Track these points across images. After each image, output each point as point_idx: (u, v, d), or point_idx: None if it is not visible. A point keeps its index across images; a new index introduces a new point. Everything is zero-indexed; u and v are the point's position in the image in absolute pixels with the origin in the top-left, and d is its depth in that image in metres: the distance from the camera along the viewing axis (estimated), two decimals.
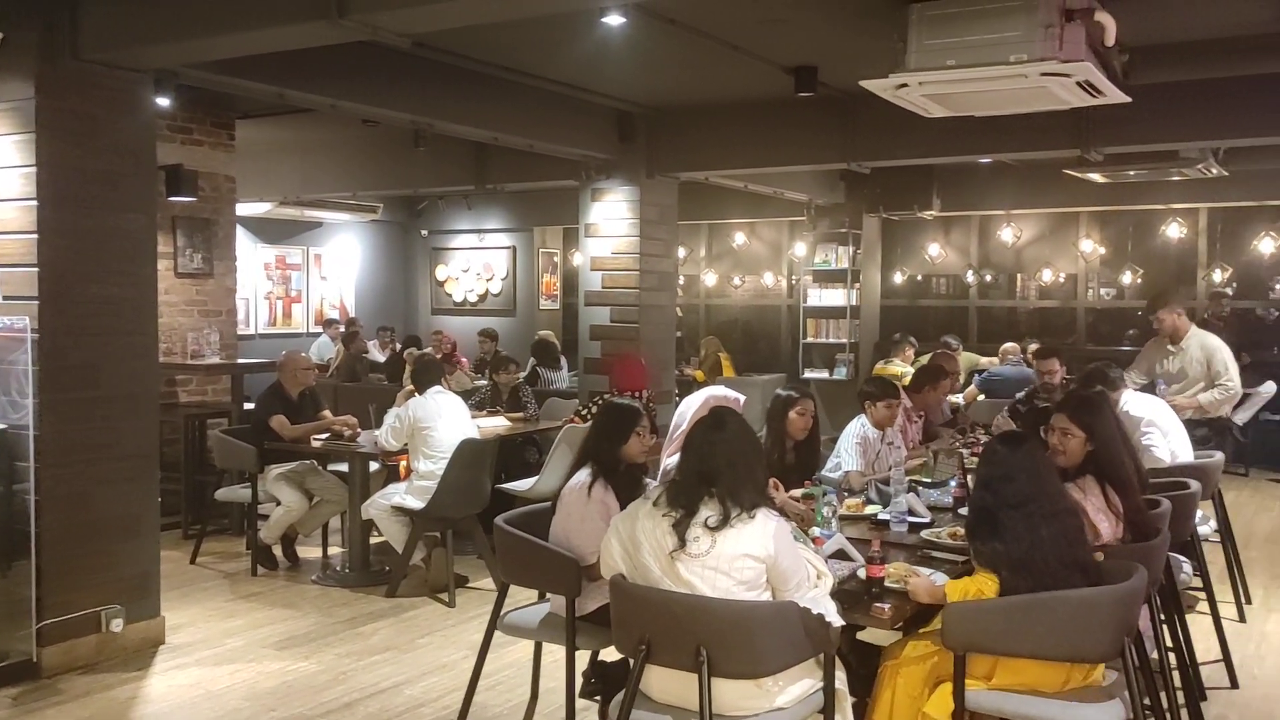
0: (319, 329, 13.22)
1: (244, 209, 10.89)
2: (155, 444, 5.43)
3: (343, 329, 12.16)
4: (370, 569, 6.55)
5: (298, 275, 13.66)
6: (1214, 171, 8.62)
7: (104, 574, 5.10)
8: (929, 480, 5.26)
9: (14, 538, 4.90)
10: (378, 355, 12.14)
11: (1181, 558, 5.12)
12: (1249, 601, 5.96)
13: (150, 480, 5.37)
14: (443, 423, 6.18)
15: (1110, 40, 4.70)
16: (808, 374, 12.17)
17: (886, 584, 3.43)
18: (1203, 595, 5.27)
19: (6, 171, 4.91)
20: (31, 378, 4.84)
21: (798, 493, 4.51)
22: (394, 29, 4.49)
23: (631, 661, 3.20)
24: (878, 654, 3.60)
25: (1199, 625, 5.05)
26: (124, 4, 4.80)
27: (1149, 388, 6.75)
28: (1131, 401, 5.83)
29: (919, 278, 13.07)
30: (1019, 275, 12.55)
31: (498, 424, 7.48)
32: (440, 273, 15.11)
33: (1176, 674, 4.23)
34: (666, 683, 3.17)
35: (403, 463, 6.56)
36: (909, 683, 3.37)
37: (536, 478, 6.85)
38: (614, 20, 5.47)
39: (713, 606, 3.03)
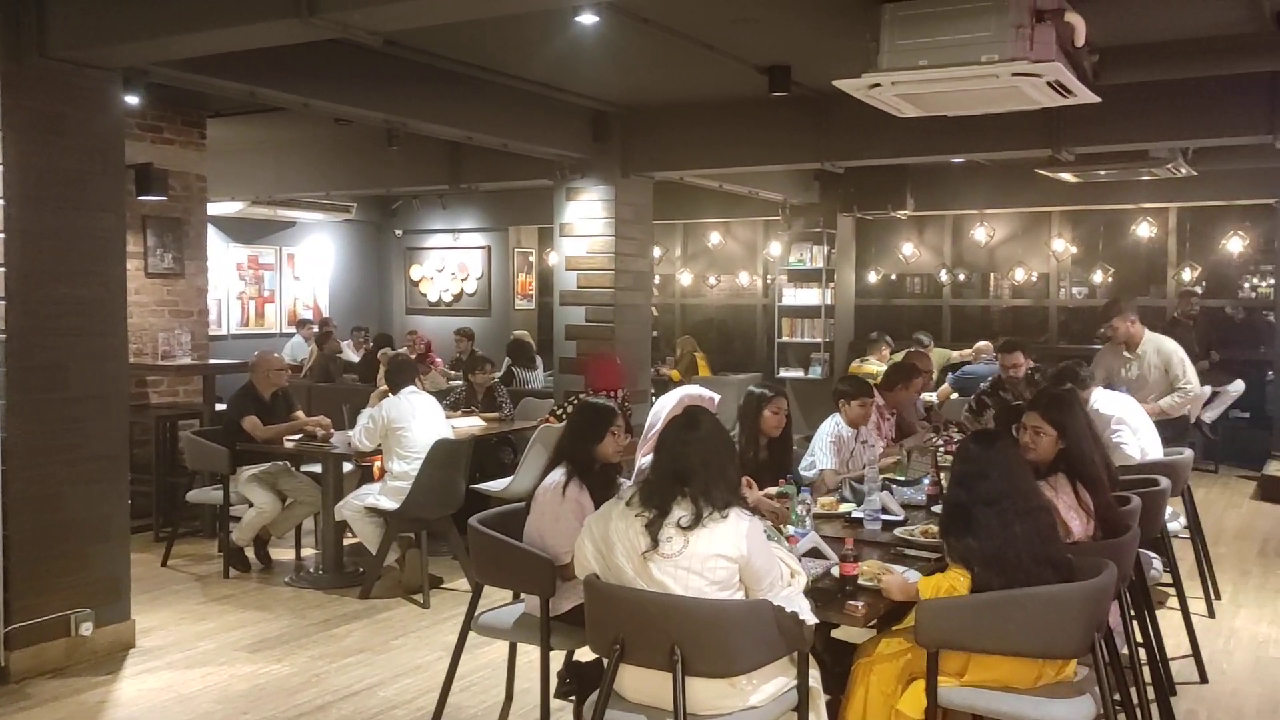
0: (292, 329, 13.14)
1: (216, 208, 10.81)
2: (125, 445, 5.38)
3: (316, 329, 12.08)
4: (344, 570, 6.51)
5: (271, 275, 13.56)
6: (1183, 171, 8.71)
7: (73, 577, 5.04)
8: (903, 478, 5.29)
9: None
10: (352, 355, 12.08)
11: (1151, 554, 5.16)
12: (1218, 597, 6.02)
13: (120, 482, 5.32)
14: (417, 423, 6.16)
15: (1080, 41, 4.73)
16: (783, 373, 12.21)
17: (860, 582, 3.45)
18: (1172, 591, 5.32)
19: None
20: None
21: (772, 491, 4.52)
22: (365, 27, 4.46)
23: (606, 661, 3.19)
24: (852, 651, 3.61)
25: (1169, 621, 5.11)
26: (92, 1, 4.75)
27: None
28: (1101, 400, 5.88)
29: (893, 277, 13.14)
30: (992, 274, 12.64)
31: (472, 424, 7.46)
32: (415, 272, 15.05)
33: (1146, 669, 4.26)
34: (641, 682, 3.16)
35: (377, 464, 6.53)
36: (882, 680, 3.38)
37: (511, 478, 6.83)
38: (587, 19, 5.46)
39: (687, 605, 3.03)
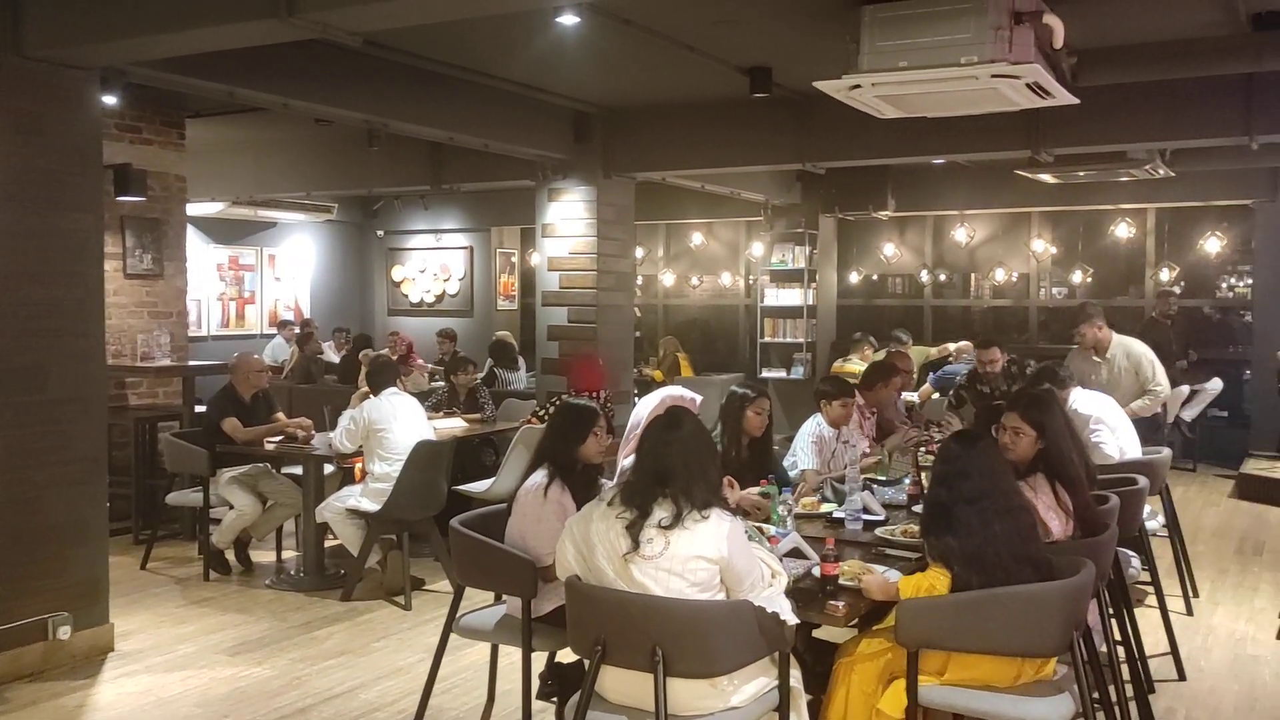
0: (273, 330, 13.08)
1: (195, 209, 10.75)
2: (104, 448, 5.34)
3: (297, 330, 12.03)
4: (325, 573, 6.48)
5: (251, 276, 13.50)
6: (1161, 172, 8.78)
7: (51, 580, 5.00)
8: (884, 478, 5.31)
9: None
10: (333, 357, 12.03)
11: (1130, 552, 5.20)
12: (1196, 595, 6.07)
13: (98, 484, 5.28)
14: (398, 424, 6.14)
15: (1058, 43, 4.77)
16: (765, 373, 12.23)
17: (841, 581, 3.45)
18: (1151, 589, 5.35)
19: None
20: None
21: (754, 491, 4.53)
22: (344, 27, 4.45)
23: (587, 663, 3.19)
24: (834, 651, 3.62)
25: (1147, 619, 5.13)
26: (69, 0, 4.72)
27: None
28: (1080, 399, 5.91)
29: (875, 277, 13.18)
30: (973, 275, 12.70)
31: (454, 425, 7.44)
32: (397, 273, 15.00)
33: (1125, 667, 4.30)
34: (622, 683, 3.16)
35: (358, 465, 6.51)
36: (863, 680, 3.39)
37: (493, 479, 6.82)
38: (568, 20, 5.46)
39: (668, 606, 3.04)
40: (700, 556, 3.08)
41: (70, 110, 5.05)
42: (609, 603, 3.11)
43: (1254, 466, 9.65)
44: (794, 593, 3.30)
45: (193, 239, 11.17)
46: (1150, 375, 6.93)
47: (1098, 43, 5.65)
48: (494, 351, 10.66)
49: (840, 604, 3.33)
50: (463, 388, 8.11)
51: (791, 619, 3.11)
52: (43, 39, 4.76)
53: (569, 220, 8.61)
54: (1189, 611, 5.83)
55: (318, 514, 6.29)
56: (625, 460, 5.02)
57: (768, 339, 12.41)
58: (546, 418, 6.54)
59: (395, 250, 15.03)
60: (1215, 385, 10.41)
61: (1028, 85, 4.73)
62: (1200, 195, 10.61)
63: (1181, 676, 4.89)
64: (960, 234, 12.21)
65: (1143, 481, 4.94)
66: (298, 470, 6.71)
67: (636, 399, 7.55)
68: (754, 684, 3.17)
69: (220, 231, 12.89)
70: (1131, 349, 7.08)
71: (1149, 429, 6.75)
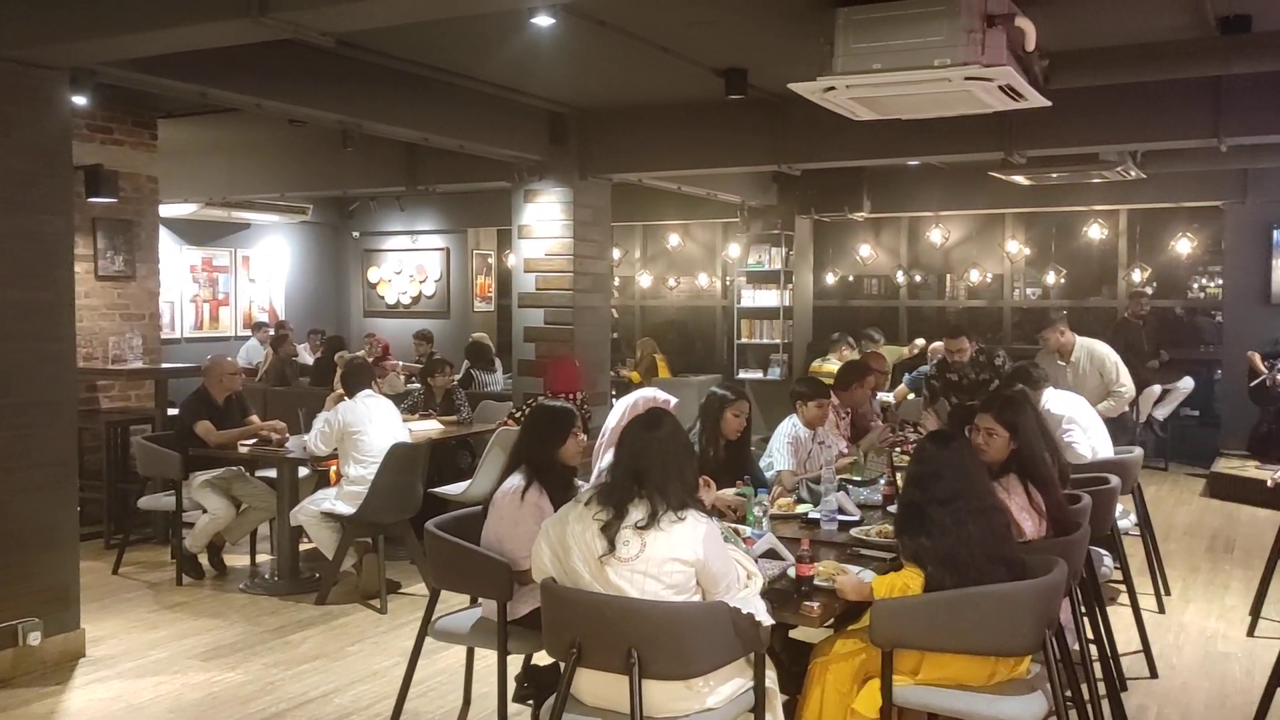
0: (247, 332, 12.99)
1: (168, 210, 10.67)
2: (74, 452, 5.29)
3: (272, 332, 11.95)
4: (300, 576, 6.44)
5: (225, 278, 13.40)
6: (1132, 174, 8.86)
7: (20, 586, 4.94)
8: (859, 479, 5.33)
9: None
10: (308, 359, 11.96)
11: (1102, 551, 5.24)
12: (1168, 593, 6.12)
13: (69, 489, 5.23)
14: (373, 427, 6.11)
15: (1030, 45, 4.80)
16: (742, 374, 12.26)
17: (816, 582, 3.46)
18: (1123, 588, 5.40)
19: None
20: None
21: (729, 492, 4.54)
22: (317, 27, 4.43)
23: (563, 665, 3.19)
24: (810, 651, 3.63)
25: (1119, 617, 5.18)
26: None
27: None
28: (1053, 400, 5.96)
29: (850, 278, 13.24)
30: (948, 275, 12.77)
31: (430, 427, 7.42)
32: (373, 275, 14.94)
33: (1098, 665, 4.33)
34: (598, 686, 3.16)
35: (333, 468, 6.47)
36: (838, 680, 3.40)
37: (469, 481, 6.80)
38: (543, 21, 5.45)
39: (643, 608, 3.03)
40: (676, 559, 3.08)
41: (39, 110, 5.00)
42: (584, 605, 3.11)
43: (1225, 465, 9.75)
44: (769, 593, 3.30)
45: (165, 240, 11.07)
46: (1114, 377, 7.00)
47: (1069, 45, 5.70)
48: (470, 353, 10.63)
49: (815, 604, 3.34)
50: (439, 389, 8.08)
51: (767, 620, 3.12)
52: (10, 38, 4.71)
53: (545, 222, 8.60)
54: (1161, 609, 5.88)
55: (292, 517, 6.25)
56: (601, 462, 5.02)
57: (744, 340, 12.45)
58: (522, 420, 6.53)
59: (371, 251, 14.97)
60: (1186, 385, 10.52)
61: (1000, 87, 4.77)
62: (1171, 197, 10.71)
63: (1153, 674, 4.93)
64: (935, 235, 12.28)
65: (1115, 480, 4.98)
66: (272, 473, 6.67)
67: (614, 400, 7.55)
68: (729, 685, 3.17)
69: (193, 233, 12.79)
70: (1095, 351, 7.16)
71: (1119, 429, 6.81)
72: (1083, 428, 5.93)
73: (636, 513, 3.12)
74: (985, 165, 9.13)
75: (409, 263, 14.70)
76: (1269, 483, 7.58)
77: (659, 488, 3.14)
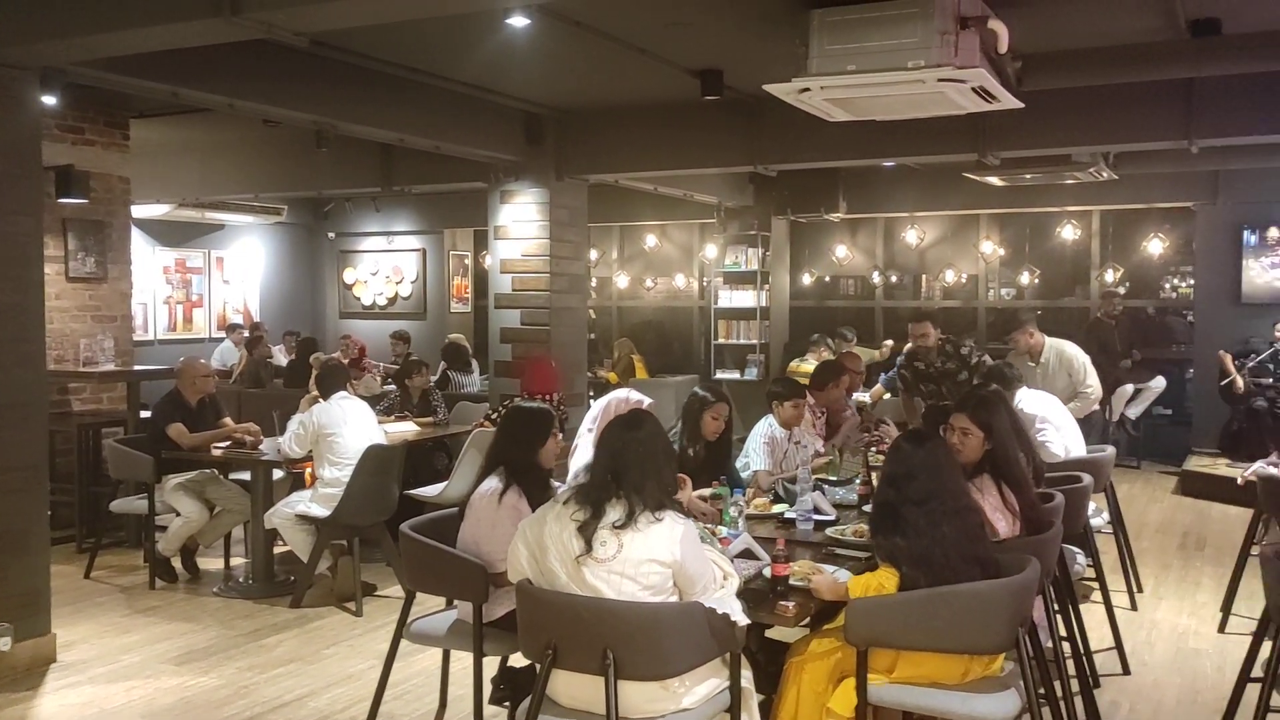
0: (222, 334, 12.90)
1: (141, 211, 10.59)
2: (44, 455, 5.23)
3: (246, 334, 11.87)
4: (274, 579, 6.41)
5: (199, 279, 13.30)
6: (1105, 175, 8.93)
7: None
8: (835, 478, 5.35)
9: None
10: (283, 360, 11.89)
11: (1075, 549, 5.29)
12: (1140, 590, 6.18)
13: (39, 492, 5.17)
14: (348, 428, 6.08)
15: (1003, 47, 4.83)
16: (719, 375, 12.27)
17: (791, 582, 3.47)
18: (1096, 585, 5.44)
19: None
20: None
21: (706, 492, 4.55)
22: (290, 27, 4.40)
23: (538, 667, 3.18)
24: (786, 651, 3.64)
25: (1092, 614, 5.22)
26: None
27: None
28: (1026, 399, 6.00)
29: (827, 279, 13.28)
30: (923, 276, 12.83)
31: (405, 429, 7.39)
32: (348, 276, 14.86)
33: (1071, 662, 4.36)
34: (573, 687, 3.16)
35: (308, 470, 6.43)
36: (814, 679, 3.41)
37: (446, 483, 6.77)
38: (518, 22, 5.44)
39: (619, 609, 3.03)
40: (653, 559, 3.08)
41: (8, 110, 4.95)
42: (560, 606, 3.10)
43: (1196, 464, 9.85)
44: (745, 593, 3.31)
45: (138, 241, 11.00)
46: (1082, 377, 7.06)
47: (1042, 48, 5.74)
48: (447, 354, 10.60)
49: (790, 604, 3.35)
50: (416, 390, 8.05)
51: (742, 620, 3.13)
52: None
53: (521, 222, 8.58)
54: (1133, 606, 5.93)
55: (266, 520, 6.21)
56: (576, 463, 5.02)
57: (722, 340, 12.47)
58: (498, 421, 6.52)
59: (347, 253, 14.89)
60: (1158, 384, 10.63)
61: (973, 89, 4.80)
62: (1143, 198, 10.81)
63: (1126, 670, 4.97)
64: (911, 236, 12.34)
65: (1087, 479, 5.02)
66: (245, 476, 6.62)
67: (592, 401, 7.56)
68: (705, 685, 3.18)
69: (166, 234, 12.69)
70: (1064, 351, 7.21)
71: (1091, 427, 6.87)
72: (1056, 427, 5.98)
73: (614, 513, 3.12)
74: (960, 166, 9.18)
75: (385, 264, 14.64)
76: (1239, 480, 7.67)
77: (637, 488, 3.14)
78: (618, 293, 14.32)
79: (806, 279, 13.16)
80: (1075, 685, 4.22)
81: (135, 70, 5.46)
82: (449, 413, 8.07)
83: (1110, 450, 6.15)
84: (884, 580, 3.33)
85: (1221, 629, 5.58)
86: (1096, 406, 7.23)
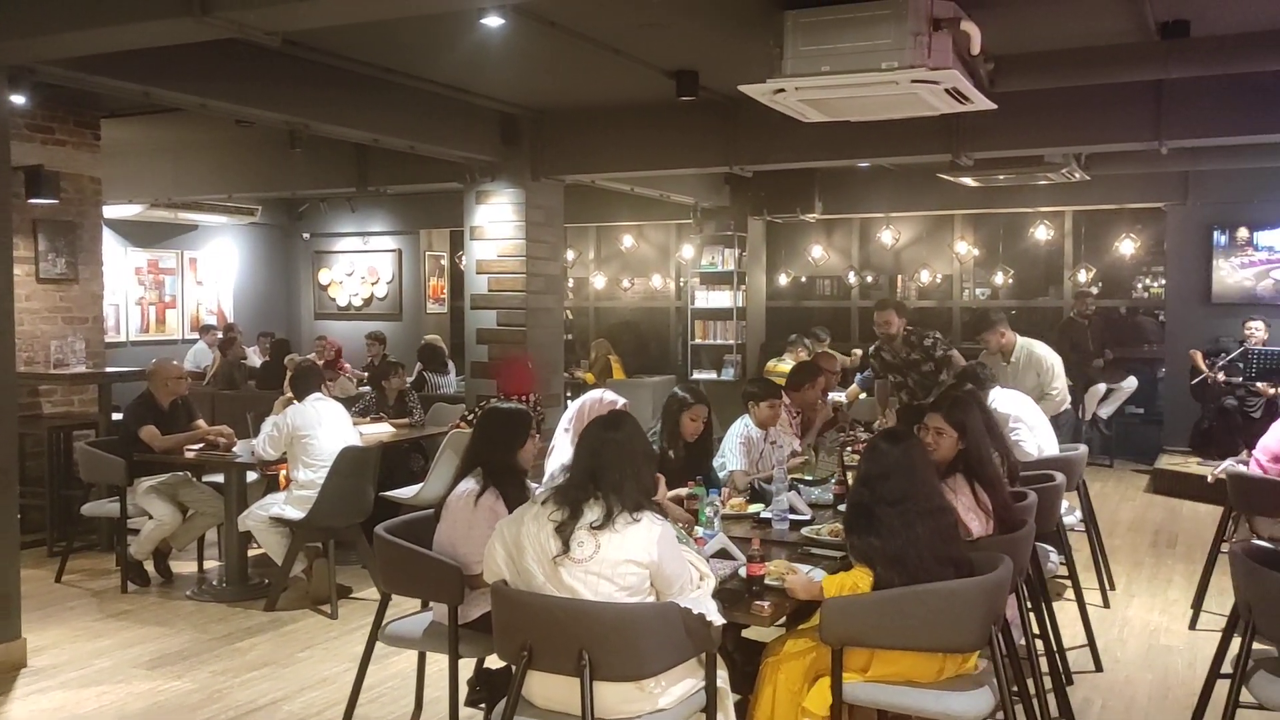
0: (195, 335, 12.80)
1: (113, 211, 10.49)
2: (13, 458, 5.18)
3: (220, 335, 11.79)
4: (248, 582, 6.36)
5: (172, 280, 13.19)
6: (1077, 176, 9.01)
7: None
8: (811, 478, 5.37)
9: None
10: (258, 362, 11.81)
11: (1048, 547, 5.33)
12: (1113, 588, 6.23)
13: (8, 496, 5.12)
14: (323, 430, 6.05)
15: (976, 49, 4.86)
16: (696, 375, 12.29)
17: (767, 581, 3.48)
18: (1069, 583, 5.48)
19: None
20: None
21: (682, 492, 4.55)
22: (261, 27, 4.37)
23: (514, 668, 3.17)
24: (763, 651, 3.64)
25: (1065, 612, 5.26)
26: None
27: None
28: (999, 399, 6.04)
29: (803, 279, 13.32)
30: (899, 276, 12.90)
31: (381, 430, 7.35)
32: (323, 276, 14.78)
33: (1044, 660, 4.39)
34: (549, 688, 3.15)
35: (282, 472, 6.39)
36: (789, 678, 3.42)
37: (421, 485, 6.75)
38: (493, 22, 5.43)
39: (594, 610, 3.03)
40: (631, 560, 3.08)
41: None
42: (535, 608, 3.10)
43: (1168, 462, 9.94)
44: (720, 593, 3.31)
45: (110, 242, 10.89)
46: (1049, 380, 7.10)
47: (1013, 49, 5.78)
48: (423, 355, 10.56)
49: (766, 604, 3.36)
50: (392, 391, 8.02)
51: (718, 620, 3.13)
52: None
53: (497, 223, 8.56)
54: (1106, 604, 5.98)
55: (240, 523, 6.16)
56: (552, 465, 5.01)
57: (698, 341, 12.49)
58: (474, 422, 6.50)
59: (322, 253, 14.81)
60: (1131, 383, 10.72)
61: (947, 90, 4.82)
62: (1115, 198, 10.91)
63: (1098, 668, 5.01)
64: (886, 236, 12.40)
65: (1060, 478, 5.06)
66: (219, 478, 6.57)
67: (569, 401, 7.54)
68: (681, 685, 3.18)
69: (139, 234, 12.58)
70: (1034, 351, 7.26)
71: (1062, 426, 6.92)
72: (1029, 426, 6.02)
73: (591, 513, 3.12)
74: (934, 167, 9.23)
75: (360, 264, 14.57)
76: (1210, 478, 7.75)
77: (615, 488, 3.14)
78: (594, 293, 14.31)
79: (783, 279, 13.20)
80: (1048, 682, 4.24)
81: (105, 69, 5.42)
82: (425, 414, 8.04)
83: (1083, 449, 6.20)
84: (858, 580, 3.34)
85: (1192, 625, 5.63)
86: (1066, 408, 7.27)
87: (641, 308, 14.24)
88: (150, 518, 6.39)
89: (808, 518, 4.49)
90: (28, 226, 7.52)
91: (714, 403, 5.33)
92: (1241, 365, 9.59)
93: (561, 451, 4.96)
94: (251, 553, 6.51)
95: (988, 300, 12.34)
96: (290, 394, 6.39)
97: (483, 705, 3.89)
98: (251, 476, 6.57)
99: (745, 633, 3.79)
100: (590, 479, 3.17)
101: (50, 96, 7.27)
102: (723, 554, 3.74)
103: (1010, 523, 3.98)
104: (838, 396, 8.85)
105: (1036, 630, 4.40)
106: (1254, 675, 3.54)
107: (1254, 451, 5.89)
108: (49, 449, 7.48)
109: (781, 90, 4.88)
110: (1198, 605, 5.72)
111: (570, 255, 13.60)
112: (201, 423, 6.75)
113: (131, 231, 12.42)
